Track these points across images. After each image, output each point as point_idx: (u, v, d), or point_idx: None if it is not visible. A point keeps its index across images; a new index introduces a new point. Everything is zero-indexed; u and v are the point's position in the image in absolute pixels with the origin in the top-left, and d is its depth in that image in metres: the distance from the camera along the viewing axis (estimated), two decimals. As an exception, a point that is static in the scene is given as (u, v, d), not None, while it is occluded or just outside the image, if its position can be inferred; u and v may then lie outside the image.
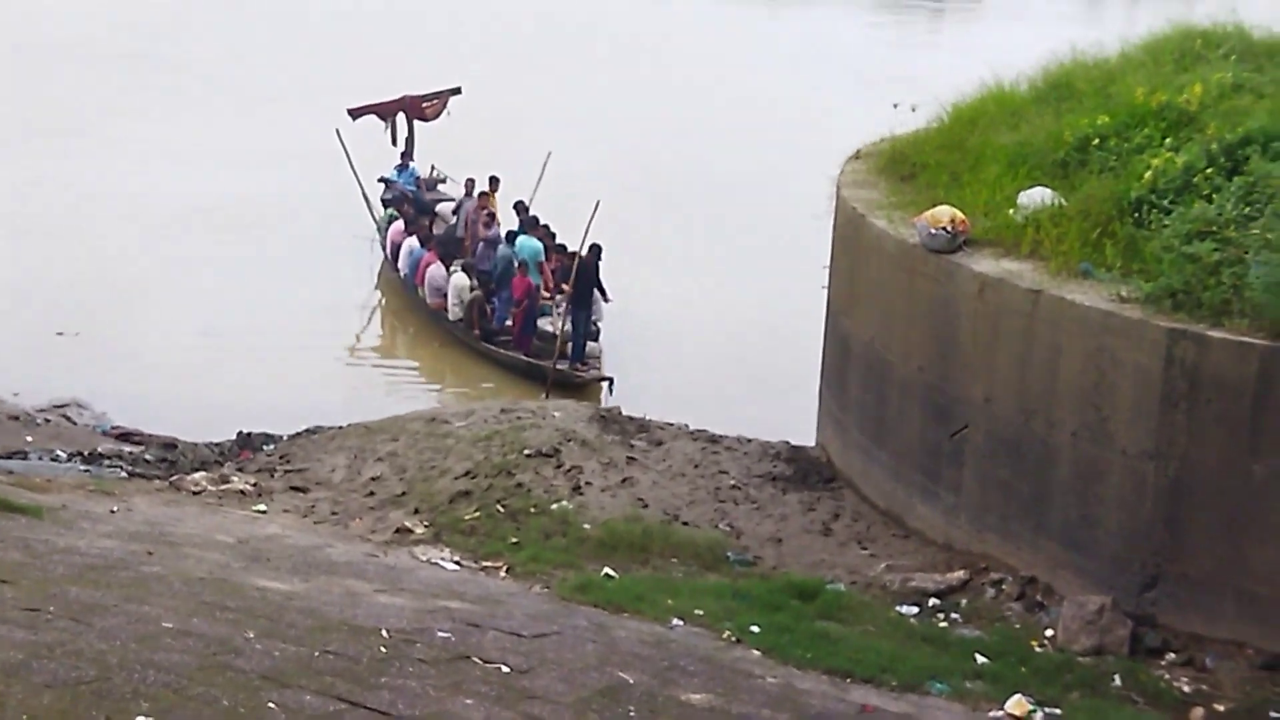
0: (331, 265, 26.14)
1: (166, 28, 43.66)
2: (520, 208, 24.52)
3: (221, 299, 23.60)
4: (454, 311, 22.64)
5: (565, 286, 21.77)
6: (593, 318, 21.77)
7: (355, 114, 27.19)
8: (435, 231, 25.00)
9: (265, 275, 24.90)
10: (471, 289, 22.44)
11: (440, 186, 27.76)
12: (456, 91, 28.08)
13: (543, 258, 22.50)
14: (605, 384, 21.06)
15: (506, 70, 40.24)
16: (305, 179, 28.37)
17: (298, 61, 39.90)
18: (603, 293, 21.88)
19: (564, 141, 28.09)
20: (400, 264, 24.34)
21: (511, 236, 23.12)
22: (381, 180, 27.25)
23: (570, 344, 21.30)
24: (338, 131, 26.59)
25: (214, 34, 43.36)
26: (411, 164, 27.71)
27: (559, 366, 21.06)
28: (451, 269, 23.07)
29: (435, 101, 27.84)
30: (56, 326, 21.62)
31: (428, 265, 23.30)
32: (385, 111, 27.63)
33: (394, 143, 27.68)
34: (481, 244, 23.90)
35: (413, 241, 24.15)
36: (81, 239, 25.84)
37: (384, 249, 25.34)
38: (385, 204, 26.82)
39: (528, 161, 26.04)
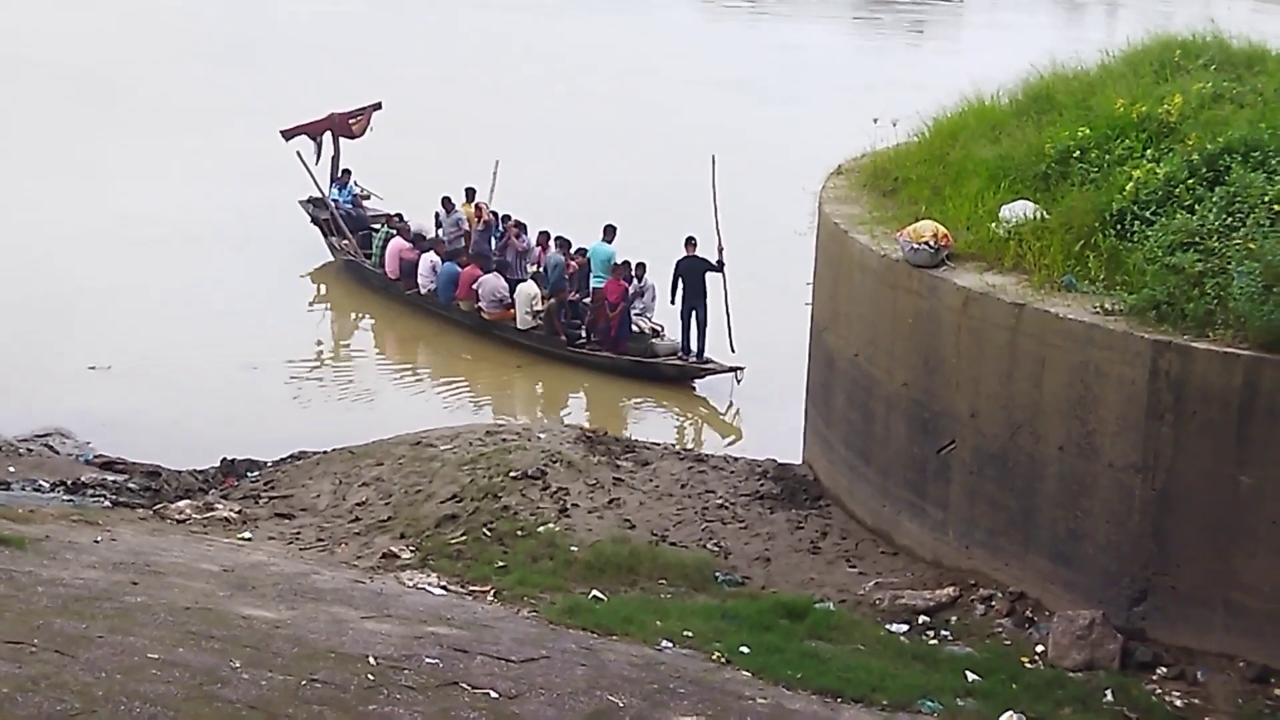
0: (310, 284, 26.38)
1: (108, 47, 43.42)
2: (501, 218, 24.59)
3: (214, 321, 23.39)
4: (524, 320, 22.60)
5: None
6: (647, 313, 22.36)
7: (288, 135, 27.30)
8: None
9: (249, 296, 24.78)
10: (544, 298, 22.48)
11: (366, 203, 27.85)
12: (378, 106, 28.30)
13: (615, 262, 22.53)
14: (735, 374, 21.20)
15: (461, 87, 40.16)
16: (267, 198, 28.35)
17: (249, 80, 39.87)
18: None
19: (528, 159, 28.09)
20: (421, 279, 24.16)
21: (564, 244, 23.23)
22: (308, 201, 27.25)
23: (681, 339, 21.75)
24: (299, 153, 26.69)
25: (165, 54, 43.17)
26: (350, 181, 27.82)
27: (675, 362, 21.60)
28: (510, 280, 23.06)
29: (360, 118, 28.04)
30: (33, 352, 21.39)
31: (474, 278, 23.18)
32: (314, 131, 27.76)
33: (317, 161, 27.72)
34: (513, 253, 23.88)
35: (432, 257, 24.07)
36: (38, 261, 25.35)
37: (379, 267, 25.20)
38: (313, 221, 27.04)
39: (480, 172, 26.08)
